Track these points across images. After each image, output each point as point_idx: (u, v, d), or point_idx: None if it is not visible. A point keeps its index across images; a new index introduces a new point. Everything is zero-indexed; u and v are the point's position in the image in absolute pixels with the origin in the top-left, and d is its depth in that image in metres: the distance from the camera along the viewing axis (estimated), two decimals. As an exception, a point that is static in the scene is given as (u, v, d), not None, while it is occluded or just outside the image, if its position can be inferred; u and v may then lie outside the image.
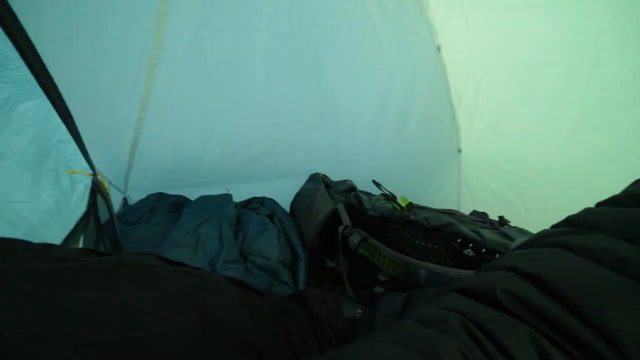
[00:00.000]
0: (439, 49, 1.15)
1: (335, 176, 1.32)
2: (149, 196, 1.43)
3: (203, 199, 1.34)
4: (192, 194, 1.38)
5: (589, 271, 0.27)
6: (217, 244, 1.11)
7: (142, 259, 0.41)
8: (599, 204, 0.34)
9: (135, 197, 1.48)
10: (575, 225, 0.32)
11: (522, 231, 0.94)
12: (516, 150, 1.20)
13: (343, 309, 0.68)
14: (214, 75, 1.22)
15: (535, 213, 1.05)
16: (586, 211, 0.33)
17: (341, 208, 1.26)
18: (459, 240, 1.00)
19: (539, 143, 1.11)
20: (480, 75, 1.16)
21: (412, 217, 1.18)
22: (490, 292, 0.28)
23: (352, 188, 1.44)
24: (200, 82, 1.23)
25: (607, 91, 0.90)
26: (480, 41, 1.06)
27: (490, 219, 1.11)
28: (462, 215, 1.17)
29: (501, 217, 1.07)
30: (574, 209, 0.32)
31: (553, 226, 0.34)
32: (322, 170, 1.34)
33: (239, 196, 1.39)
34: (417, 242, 1.12)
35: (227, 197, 1.35)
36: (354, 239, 1.21)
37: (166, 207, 1.38)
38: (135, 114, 1.23)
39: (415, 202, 1.21)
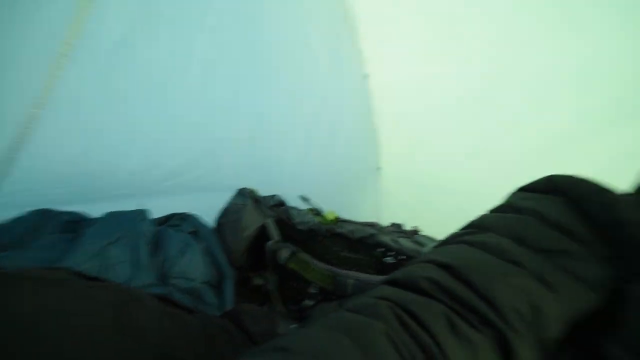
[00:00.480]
0: (366, 76, 1.30)
1: (264, 192, 1.32)
2: (28, 214, 1.13)
3: (113, 215, 1.15)
4: (98, 210, 1.18)
5: (482, 259, 0.34)
6: (130, 267, 0.97)
7: (47, 273, 0.35)
8: (492, 211, 0.43)
9: (2, 215, 1.15)
10: (475, 227, 0.40)
11: (431, 239, 1.09)
12: (428, 168, 1.41)
13: (278, 325, 0.68)
14: (143, 78, 1.11)
15: (443, 221, 1.22)
16: (482, 216, 0.42)
17: (270, 223, 1.26)
18: (380, 249, 1.11)
19: (448, 160, 1.34)
20: (401, 101, 1.34)
21: (338, 230, 1.25)
22: (413, 281, 0.33)
23: (281, 203, 1.45)
24: (125, 83, 1.10)
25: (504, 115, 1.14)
26: (404, 71, 1.24)
27: (406, 229, 1.26)
28: (382, 226, 1.30)
29: (414, 228, 1.22)
30: (477, 214, 0.41)
31: (459, 229, 0.42)
32: (251, 185, 1.33)
33: (159, 212, 1.26)
34: (343, 253, 1.19)
35: (142, 213, 1.19)
36: (284, 253, 1.21)
37: (56, 226, 1.12)
38: (23, 111, 1.02)
39: (340, 216, 1.30)
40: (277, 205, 1.45)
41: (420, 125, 1.37)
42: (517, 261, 0.32)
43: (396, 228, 1.29)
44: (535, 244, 0.34)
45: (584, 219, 0.35)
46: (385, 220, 1.50)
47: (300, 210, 1.38)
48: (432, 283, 0.32)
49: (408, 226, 1.23)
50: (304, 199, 1.46)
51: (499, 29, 1.07)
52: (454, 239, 0.39)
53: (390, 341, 0.27)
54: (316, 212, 1.39)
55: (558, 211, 0.36)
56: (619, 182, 0.38)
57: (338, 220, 1.30)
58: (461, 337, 0.28)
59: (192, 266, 1.07)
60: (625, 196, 0.37)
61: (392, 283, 0.34)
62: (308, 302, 1.13)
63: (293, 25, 1.17)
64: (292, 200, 1.27)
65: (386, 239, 1.13)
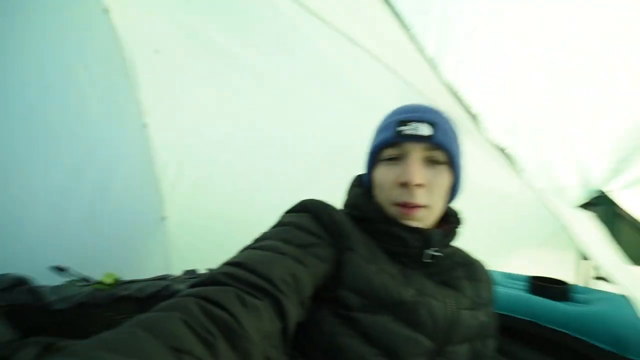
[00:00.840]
0: (145, 125, 1.26)
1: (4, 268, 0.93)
2: None
3: None
4: None
5: (262, 255, 0.51)
6: None
7: None
8: (270, 228, 0.62)
9: None
10: (257, 239, 0.57)
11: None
12: (215, 212, 1.52)
13: None
14: None
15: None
16: (263, 232, 0.59)
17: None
18: (177, 298, 1.08)
19: (232, 199, 1.50)
20: (184, 150, 1.40)
21: (122, 292, 1.10)
22: (212, 278, 0.45)
23: (20, 282, 1.07)
24: None
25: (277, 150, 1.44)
26: (186, 122, 1.31)
27: (200, 273, 1.30)
28: (175, 276, 1.26)
29: (209, 269, 1.28)
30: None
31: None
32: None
33: None
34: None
35: None
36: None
37: None
38: None
39: (126, 274, 1.15)
40: (10, 287, 1.06)
41: (204, 170, 1.48)
42: (284, 253, 0.51)
43: (190, 274, 1.30)
44: (295, 242, 0.54)
45: (320, 224, 0.60)
46: (176, 269, 1.44)
47: (59, 285, 1.09)
48: (226, 275, 0.44)
49: (202, 269, 1.28)
50: (59, 269, 1.16)
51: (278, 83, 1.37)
52: (242, 250, 0.54)
53: (187, 325, 0.34)
54: (84, 280, 1.14)
55: (307, 221, 0.60)
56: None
57: (119, 282, 1.14)
58: (250, 307, 0.41)
59: None
60: (335, 209, 0.64)
61: (194, 285, 0.44)
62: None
63: (63, 70, 1.00)
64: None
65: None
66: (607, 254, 1.06)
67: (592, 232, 1.14)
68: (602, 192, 1.53)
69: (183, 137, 1.39)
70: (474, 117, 0.64)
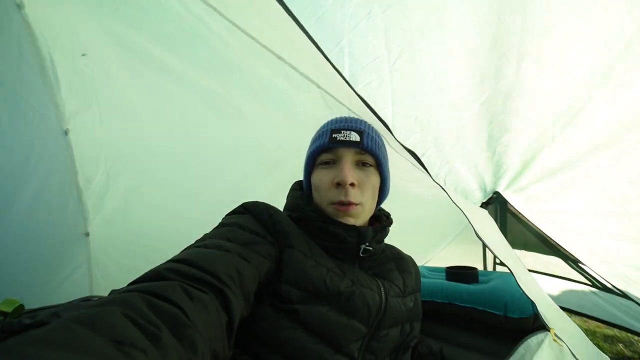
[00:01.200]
0: (66, 132, 1.14)
1: None
2: None
3: None
4: None
5: (206, 252, 0.53)
6: None
7: None
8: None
9: None
10: (200, 239, 0.59)
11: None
12: (145, 226, 1.43)
13: None
14: None
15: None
16: (206, 233, 0.61)
17: None
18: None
19: (159, 216, 1.44)
20: (111, 161, 1.29)
21: (27, 321, 0.96)
22: (156, 273, 0.45)
23: None
24: None
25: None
26: (115, 129, 1.22)
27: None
28: (101, 297, 1.15)
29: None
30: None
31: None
32: None
33: None
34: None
35: None
36: None
37: None
38: None
39: (34, 300, 1.01)
40: None
41: (134, 181, 1.38)
42: (228, 250, 0.54)
43: (121, 293, 1.20)
44: (238, 240, 0.58)
45: (261, 223, 0.65)
46: (103, 290, 1.32)
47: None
48: (170, 271, 0.46)
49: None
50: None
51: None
52: (185, 249, 0.56)
53: (129, 318, 0.34)
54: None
55: (249, 222, 0.64)
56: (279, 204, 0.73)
57: (25, 311, 0.98)
58: (195, 299, 0.42)
59: None
60: (275, 209, 0.69)
61: (139, 281, 0.45)
62: None
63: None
64: None
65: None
66: (499, 241, 1.31)
67: (488, 225, 1.40)
68: (498, 193, 1.88)
69: (111, 146, 1.29)
70: (388, 127, 0.77)
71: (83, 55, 1.04)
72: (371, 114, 0.76)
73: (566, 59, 0.85)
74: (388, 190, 0.78)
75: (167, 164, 1.41)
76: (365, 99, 0.70)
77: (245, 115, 1.35)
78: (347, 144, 0.69)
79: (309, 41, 0.65)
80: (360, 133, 0.70)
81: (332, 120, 0.76)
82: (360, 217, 0.70)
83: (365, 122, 0.76)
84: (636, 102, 0.90)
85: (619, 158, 1.03)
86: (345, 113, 1.27)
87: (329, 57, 0.64)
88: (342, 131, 0.70)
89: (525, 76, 0.87)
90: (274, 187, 1.59)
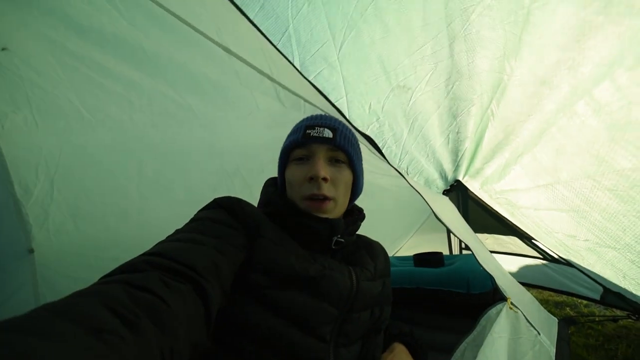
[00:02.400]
0: None
1: None
2: None
3: None
4: None
5: (181, 245, 0.52)
6: None
7: None
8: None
9: None
10: (174, 232, 0.59)
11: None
12: (97, 236, 1.32)
13: None
14: None
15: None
16: (157, 244, 0.58)
17: None
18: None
19: (114, 224, 1.34)
20: (54, 168, 1.17)
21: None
22: (133, 265, 0.45)
23: None
24: None
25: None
26: (54, 133, 1.10)
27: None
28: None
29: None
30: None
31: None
32: None
33: None
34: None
35: None
36: None
37: None
38: None
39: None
40: None
41: (82, 188, 1.27)
42: (203, 243, 0.54)
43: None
44: (211, 233, 0.58)
45: (233, 216, 0.64)
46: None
47: None
48: (146, 263, 0.45)
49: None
50: None
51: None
52: (158, 244, 0.54)
53: (107, 307, 0.34)
54: None
55: (221, 215, 0.63)
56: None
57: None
58: (174, 290, 0.42)
59: None
60: (247, 202, 0.69)
61: (114, 273, 0.44)
62: None
63: None
64: None
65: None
66: (459, 223, 1.39)
67: (449, 209, 1.48)
68: (459, 181, 1.98)
69: (52, 151, 1.17)
70: (345, 117, 0.79)
71: (3, 49, 0.92)
72: (329, 106, 0.76)
73: (484, 37, 0.89)
74: (361, 187, 0.80)
75: (119, 169, 1.31)
76: (320, 89, 0.70)
77: (197, 115, 1.29)
78: (320, 140, 0.71)
79: (256, 33, 0.63)
80: (333, 130, 0.73)
81: (307, 117, 0.79)
82: (332, 213, 0.71)
83: (339, 121, 0.79)
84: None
85: (543, 129, 1.11)
86: (301, 107, 1.27)
87: (277, 46, 0.63)
88: (316, 127, 0.72)
89: (459, 57, 0.92)
90: (235, 188, 1.55)
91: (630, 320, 1.85)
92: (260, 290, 0.58)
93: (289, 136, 0.77)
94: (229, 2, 0.57)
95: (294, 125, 0.80)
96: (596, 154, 0.95)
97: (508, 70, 0.94)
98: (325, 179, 0.68)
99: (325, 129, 0.72)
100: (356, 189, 0.78)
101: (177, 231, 0.60)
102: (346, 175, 0.73)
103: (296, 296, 0.60)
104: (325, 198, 0.68)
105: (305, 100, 1.22)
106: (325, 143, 0.71)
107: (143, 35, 1.02)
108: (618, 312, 1.88)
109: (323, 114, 0.80)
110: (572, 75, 0.87)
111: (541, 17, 0.76)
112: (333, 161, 0.73)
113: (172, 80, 1.18)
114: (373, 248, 0.84)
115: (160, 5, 0.89)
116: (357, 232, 0.84)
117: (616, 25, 0.71)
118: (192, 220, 0.64)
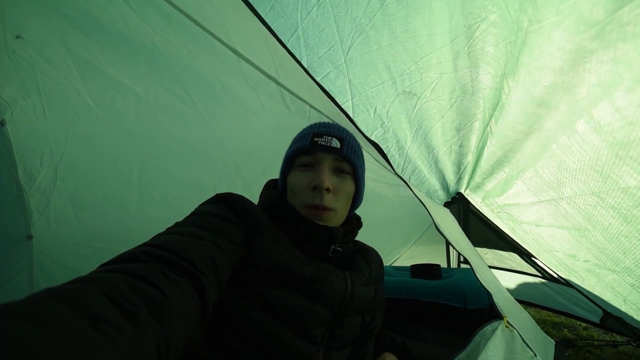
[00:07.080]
0: (2, 123, 1.02)
1: None
2: None
3: None
4: None
5: (179, 239, 0.52)
6: None
7: None
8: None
9: None
10: (171, 226, 0.59)
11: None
12: (96, 227, 1.32)
13: None
14: None
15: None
16: (155, 235, 0.58)
17: None
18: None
19: (115, 215, 1.35)
20: (59, 156, 1.18)
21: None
22: (132, 255, 0.45)
23: None
24: None
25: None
26: (61, 121, 1.11)
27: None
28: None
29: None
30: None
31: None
32: None
33: None
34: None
35: None
36: None
37: None
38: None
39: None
40: None
41: (85, 177, 1.28)
42: (202, 238, 0.54)
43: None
44: (210, 227, 0.58)
45: (233, 212, 0.64)
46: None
47: None
48: (146, 254, 0.46)
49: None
50: None
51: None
52: (157, 236, 0.55)
53: (107, 296, 0.34)
54: None
55: (221, 210, 0.64)
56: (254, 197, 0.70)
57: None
58: (172, 282, 0.43)
59: None
60: (248, 200, 0.69)
61: (114, 262, 0.44)
62: None
63: None
64: None
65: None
66: (459, 236, 1.37)
67: (449, 221, 1.46)
68: (461, 194, 1.97)
69: (58, 140, 1.18)
70: (352, 120, 0.79)
71: (17, 37, 0.94)
72: (334, 108, 0.77)
73: (486, 52, 0.89)
74: (361, 199, 0.80)
75: (122, 162, 1.32)
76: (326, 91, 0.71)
77: (201, 112, 1.30)
78: (327, 150, 0.71)
79: (265, 35, 0.64)
80: (341, 140, 0.73)
81: (315, 124, 0.78)
82: (331, 222, 0.71)
83: (347, 131, 0.79)
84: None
85: (544, 146, 1.10)
86: (306, 112, 1.27)
87: (287, 46, 0.64)
88: (324, 136, 0.72)
89: (463, 72, 0.92)
90: (237, 188, 1.55)
91: (630, 346, 1.81)
92: (255, 287, 0.58)
93: (295, 141, 0.77)
94: (238, 3, 0.57)
95: (298, 130, 0.79)
96: (600, 170, 0.94)
97: (506, 90, 0.94)
98: (328, 189, 0.68)
99: (334, 139, 0.72)
100: (357, 199, 0.78)
101: (177, 224, 0.60)
102: (349, 186, 0.73)
103: (290, 296, 0.60)
104: (326, 208, 0.68)
105: (311, 106, 1.23)
106: (332, 153, 0.71)
107: (153, 32, 1.03)
108: (618, 338, 1.83)
109: (330, 122, 0.80)
110: (569, 97, 0.87)
111: (537, 40, 0.77)
112: (338, 171, 0.73)
113: (179, 77, 1.19)
114: (369, 253, 0.83)
115: (171, 4, 0.90)
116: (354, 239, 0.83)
117: (611, 49, 0.72)
118: (192, 214, 0.64)
